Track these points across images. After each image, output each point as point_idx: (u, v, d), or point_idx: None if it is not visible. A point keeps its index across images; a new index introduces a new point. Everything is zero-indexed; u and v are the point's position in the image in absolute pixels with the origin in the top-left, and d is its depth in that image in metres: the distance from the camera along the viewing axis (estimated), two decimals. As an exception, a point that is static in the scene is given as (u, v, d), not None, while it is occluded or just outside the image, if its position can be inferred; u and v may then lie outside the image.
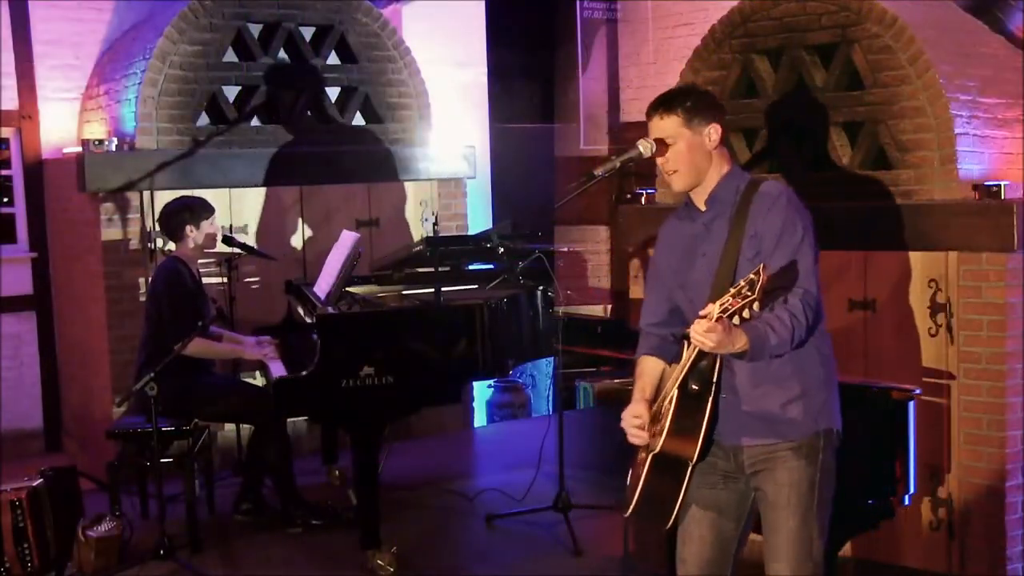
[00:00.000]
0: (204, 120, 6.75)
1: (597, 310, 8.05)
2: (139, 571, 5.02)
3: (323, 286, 5.62)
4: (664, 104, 3.18)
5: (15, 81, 7.03)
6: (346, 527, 5.47)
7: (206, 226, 5.61)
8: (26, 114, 7.09)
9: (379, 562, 4.96)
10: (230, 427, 6.50)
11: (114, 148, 6.39)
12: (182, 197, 5.74)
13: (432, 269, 5.64)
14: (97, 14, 7.19)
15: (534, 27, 8.84)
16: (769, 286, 2.91)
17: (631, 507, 3.19)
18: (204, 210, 5.62)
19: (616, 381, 4.42)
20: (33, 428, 7.28)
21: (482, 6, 8.47)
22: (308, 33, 7.08)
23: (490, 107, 8.59)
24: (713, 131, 3.15)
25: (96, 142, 6.35)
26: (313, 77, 7.03)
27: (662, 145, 3.16)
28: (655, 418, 3.14)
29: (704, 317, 2.87)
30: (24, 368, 7.24)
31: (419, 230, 7.41)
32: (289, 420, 5.75)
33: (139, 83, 6.47)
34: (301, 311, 5.73)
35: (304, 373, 4.93)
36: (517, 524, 5.60)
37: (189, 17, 6.61)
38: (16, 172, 7.20)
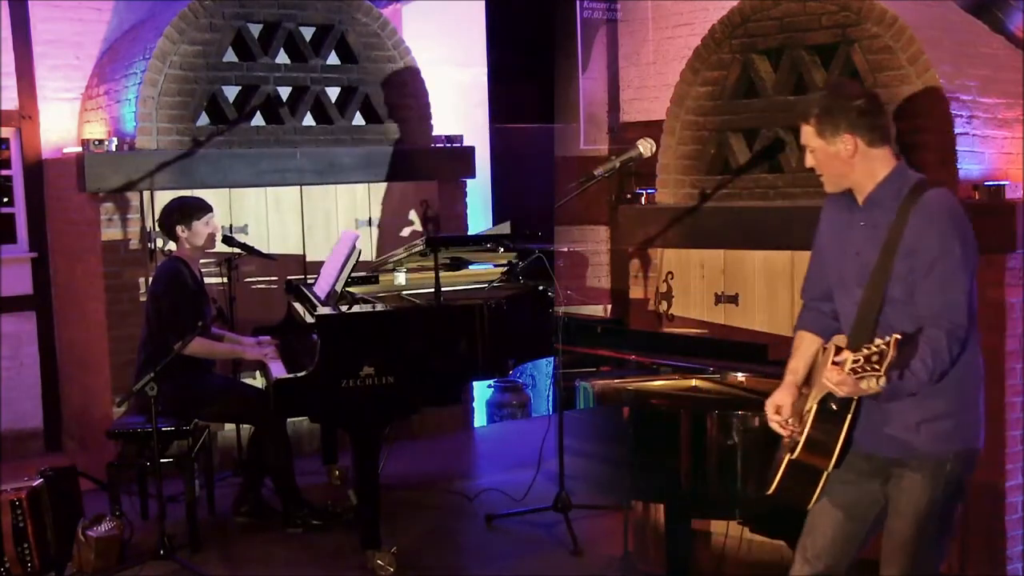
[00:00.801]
0: (204, 120, 6.75)
1: (597, 310, 8.05)
2: (139, 571, 5.02)
3: (323, 286, 5.62)
4: (800, 113, 3.19)
5: (15, 81, 7.04)
6: (346, 527, 5.48)
7: (199, 226, 5.57)
8: (26, 114, 7.09)
9: (379, 562, 4.96)
10: (230, 427, 6.50)
11: (114, 148, 6.39)
12: (180, 197, 5.72)
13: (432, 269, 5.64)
14: (97, 14, 7.21)
15: (534, 27, 8.83)
16: (917, 314, 2.94)
17: (772, 489, 3.20)
18: (197, 210, 5.58)
19: (616, 381, 4.41)
20: (33, 428, 7.28)
21: (482, 6, 8.48)
22: (308, 33, 7.09)
23: (490, 107, 8.59)
24: (847, 142, 3.10)
25: (96, 142, 6.35)
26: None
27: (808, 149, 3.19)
28: (797, 420, 3.15)
29: (838, 364, 2.85)
30: (24, 368, 7.25)
31: (419, 230, 7.41)
32: (289, 420, 5.75)
33: (139, 83, 6.47)
34: (301, 311, 5.72)
35: (304, 373, 4.93)
36: (517, 524, 5.60)
37: (189, 17, 6.61)
38: (16, 172, 7.20)
